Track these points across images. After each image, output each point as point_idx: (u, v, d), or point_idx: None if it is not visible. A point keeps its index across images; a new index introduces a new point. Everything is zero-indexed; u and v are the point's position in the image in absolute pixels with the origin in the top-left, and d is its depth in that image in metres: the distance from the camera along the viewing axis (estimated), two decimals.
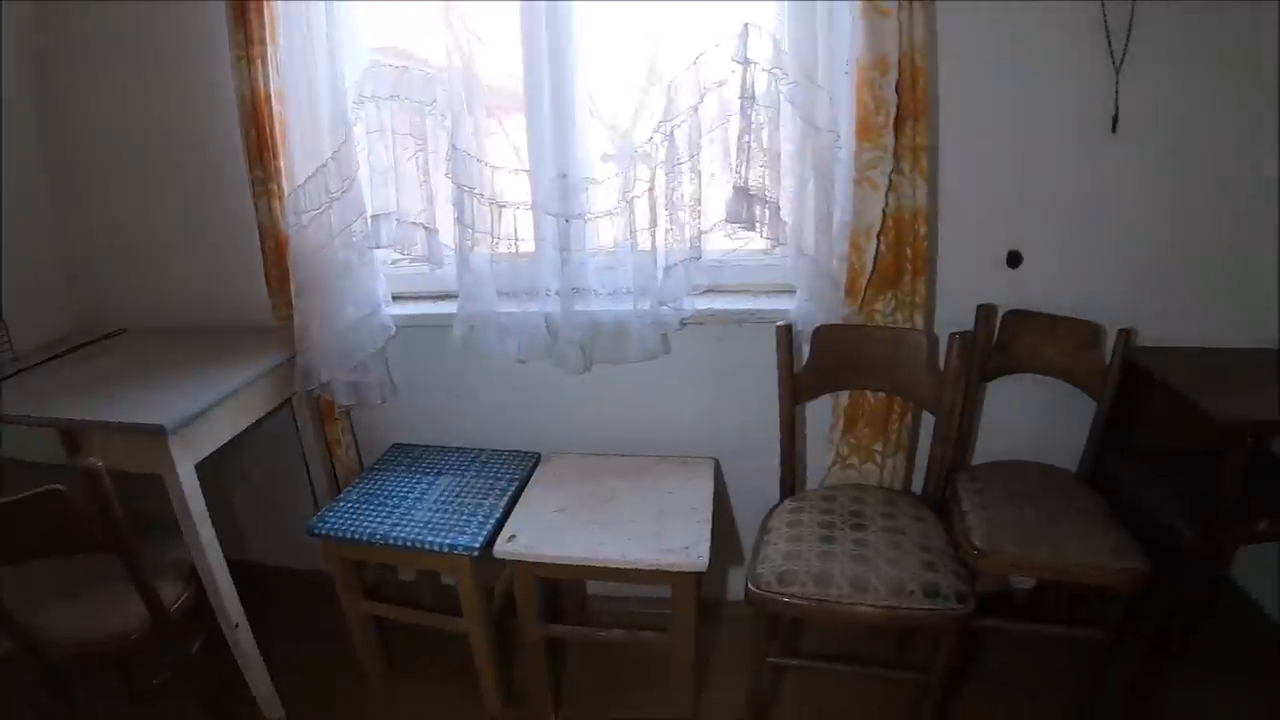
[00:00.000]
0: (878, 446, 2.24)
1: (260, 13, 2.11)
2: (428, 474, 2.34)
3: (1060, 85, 2.21)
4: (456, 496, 2.22)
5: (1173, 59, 2.19)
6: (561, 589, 2.54)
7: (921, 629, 2.03)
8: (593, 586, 2.58)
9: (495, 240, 2.22)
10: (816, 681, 2.31)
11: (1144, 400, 2.28)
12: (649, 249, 2.15)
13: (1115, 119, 2.22)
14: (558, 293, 2.19)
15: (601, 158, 2.18)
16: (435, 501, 2.20)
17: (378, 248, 2.28)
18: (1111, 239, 2.33)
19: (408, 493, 2.25)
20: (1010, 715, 2.26)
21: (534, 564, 2.01)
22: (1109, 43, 2.17)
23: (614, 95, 2.30)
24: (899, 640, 2.42)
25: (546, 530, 2.06)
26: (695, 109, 2.06)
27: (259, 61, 2.14)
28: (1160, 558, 2.00)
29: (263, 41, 2.13)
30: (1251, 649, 2.55)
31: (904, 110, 2.01)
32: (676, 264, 2.12)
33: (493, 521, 2.10)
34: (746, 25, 2.00)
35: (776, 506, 2.13)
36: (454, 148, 2.12)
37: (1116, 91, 2.21)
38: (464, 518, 2.11)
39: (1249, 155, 2.30)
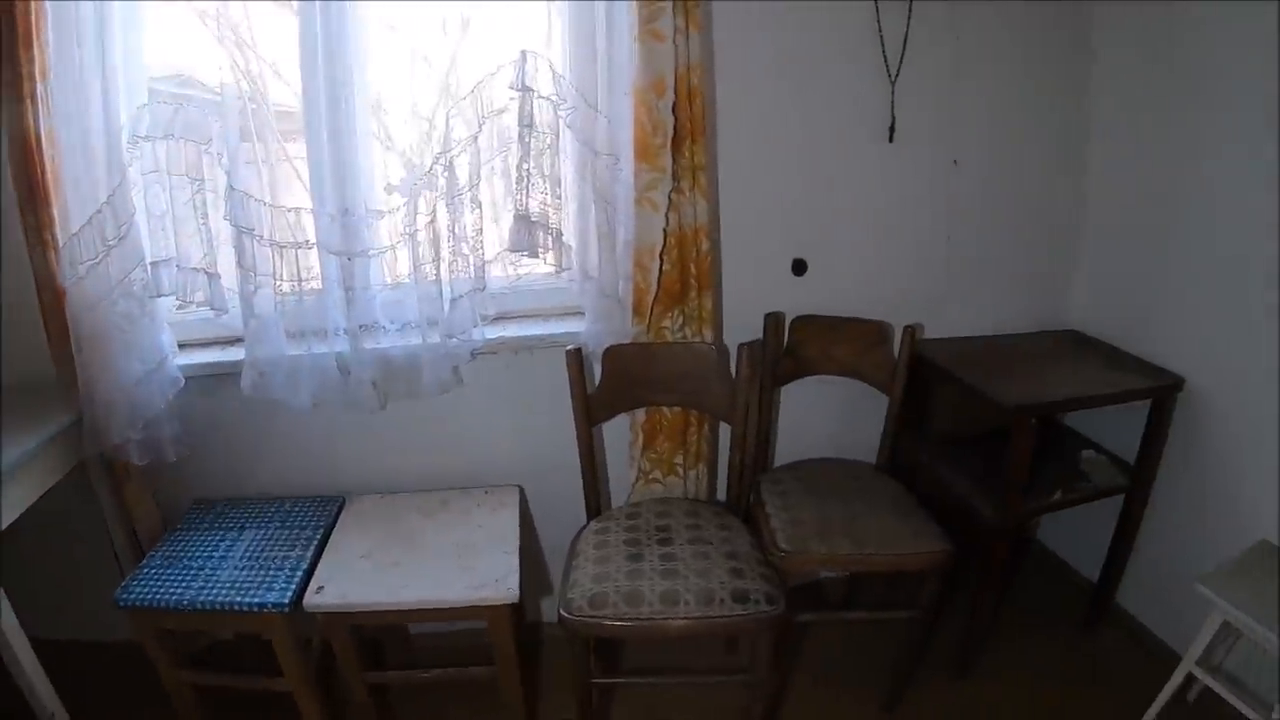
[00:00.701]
0: (678, 459, 2.28)
1: (30, 46, 1.95)
2: (231, 530, 2.25)
3: (838, 99, 2.32)
4: (262, 551, 2.14)
5: (943, 72, 2.36)
6: (382, 632, 2.48)
7: (737, 633, 2.07)
8: (415, 625, 2.53)
9: (279, 281, 2.14)
10: (648, 695, 2.34)
11: (935, 390, 2.41)
12: (435, 281, 2.12)
13: (892, 129, 2.36)
14: (346, 331, 2.14)
15: (385, 189, 2.13)
16: (241, 559, 2.11)
17: (159, 296, 2.17)
18: (892, 241, 2.47)
19: (212, 552, 2.15)
20: (840, 702, 2.34)
21: (345, 615, 1.95)
22: (885, 58, 2.31)
23: (403, 123, 2.27)
24: (725, 644, 2.47)
25: (354, 578, 2.00)
26: (475, 138, 2.05)
27: (29, 100, 1.98)
28: (964, 535, 2.12)
29: (33, 78, 1.96)
30: (1066, 605, 2.76)
31: (681, 131, 2.06)
32: (462, 295, 2.10)
33: (300, 574, 2.02)
34: (524, 53, 2.01)
35: (583, 529, 2.15)
36: (231, 188, 2.04)
37: (893, 103, 2.34)
38: (271, 573, 2.03)
39: (1016, 157, 2.49)
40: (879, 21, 2.28)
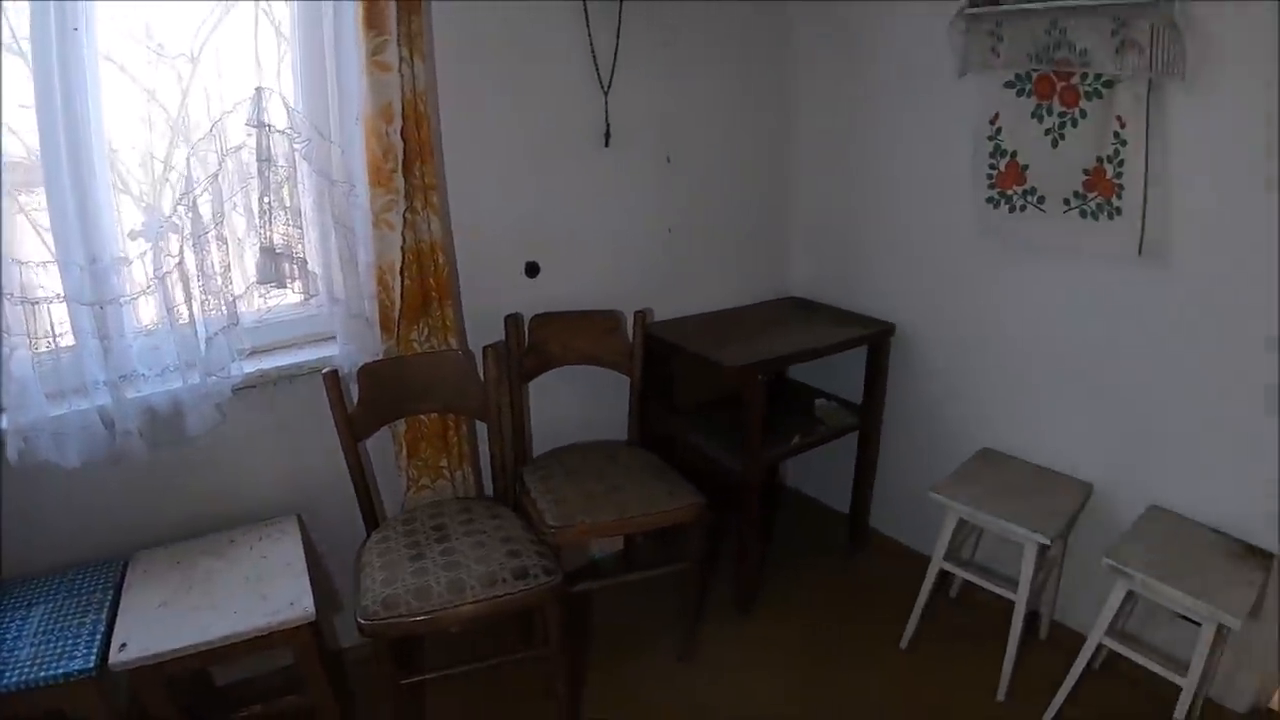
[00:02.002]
0: (443, 463, 2.42)
1: None
2: (19, 609, 2.15)
3: (558, 112, 2.53)
4: (56, 624, 2.06)
5: (654, 79, 2.66)
6: (193, 684, 2.46)
7: (526, 608, 2.22)
8: (224, 675, 2.50)
9: (34, 340, 2.11)
10: (457, 687, 2.42)
11: (673, 365, 2.67)
12: (189, 322, 2.14)
13: (607, 134, 2.59)
14: (106, 383, 2.10)
15: (129, 234, 2.12)
16: (35, 635, 2.02)
17: None
18: (618, 237, 2.72)
19: (4, 635, 2.09)
20: (640, 660, 2.55)
21: (154, 666, 1.92)
22: (597, 71, 2.54)
23: (136, 165, 2.26)
24: (521, 630, 2.58)
25: (155, 628, 1.97)
26: (216, 176, 2.10)
27: None
28: (722, 491, 2.37)
29: None
30: (829, 538, 3.12)
31: (411, 154, 2.19)
32: (217, 333, 2.14)
33: (99, 636, 1.97)
34: (259, 89, 2.08)
35: (365, 541, 2.24)
36: None
37: (606, 111, 2.57)
38: (69, 643, 1.94)
39: (727, 149, 2.84)
40: (590, 39, 2.51)
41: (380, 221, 2.17)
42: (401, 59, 2.13)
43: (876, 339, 2.73)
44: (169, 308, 2.13)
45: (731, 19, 2.85)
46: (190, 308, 2.14)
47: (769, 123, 3.03)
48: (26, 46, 1.94)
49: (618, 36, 2.55)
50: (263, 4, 2.23)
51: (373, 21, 2.07)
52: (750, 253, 3.06)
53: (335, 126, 2.19)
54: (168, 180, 2.23)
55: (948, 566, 2.47)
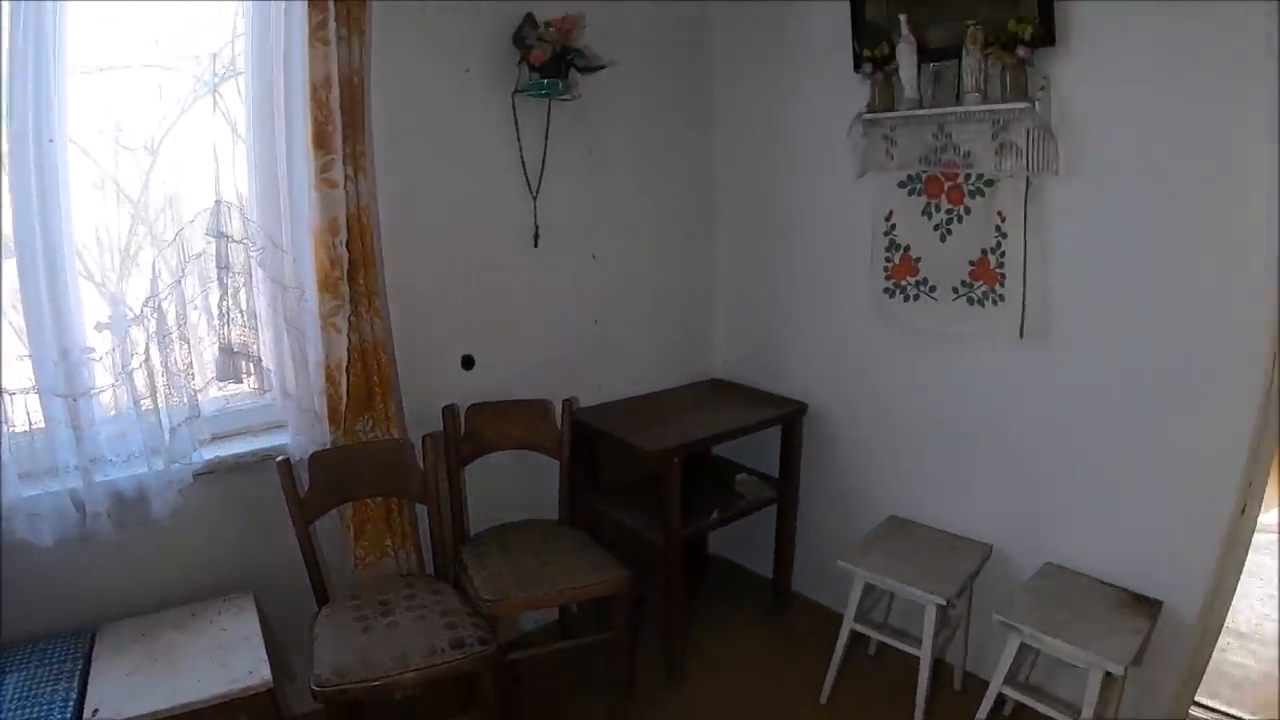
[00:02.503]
0: (388, 542, 2.59)
1: None
2: None
3: (491, 217, 2.80)
4: (30, 691, 2.13)
5: (578, 183, 2.95)
6: None
7: (463, 675, 2.39)
8: None
9: (10, 426, 2.22)
10: None
11: (600, 448, 2.89)
12: (154, 411, 2.31)
13: (536, 236, 2.86)
14: (77, 468, 2.25)
15: (96, 326, 2.26)
16: (12, 701, 2.07)
17: None
18: (548, 329, 2.98)
19: None
20: None
21: None
22: (527, 179, 2.81)
23: (99, 251, 2.41)
24: (461, 693, 2.69)
25: (125, 695, 2.08)
26: (179, 282, 2.30)
27: None
28: (648, 563, 2.56)
29: None
30: (753, 601, 3.33)
31: (356, 262, 2.41)
32: (180, 424, 2.32)
33: (73, 703, 2.06)
34: (218, 202, 2.31)
35: (316, 615, 2.39)
36: None
37: (535, 214, 2.85)
38: (44, 708, 2.05)
39: (651, 245, 3.15)
40: (520, 148, 2.80)
41: (328, 325, 2.38)
42: (346, 176, 2.36)
43: (789, 419, 2.98)
44: (135, 400, 2.29)
45: (653, 123, 3.17)
46: (155, 399, 2.30)
47: (690, 219, 3.36)
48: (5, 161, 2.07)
49: (545, 140, 2.84)
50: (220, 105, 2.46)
51: (321, 142, 2.31)
52: (673, 338, 3.34)
53: (287, 236, 2.41)
54: (130, 267, 2.41)
55: (858, 628, 2.67)
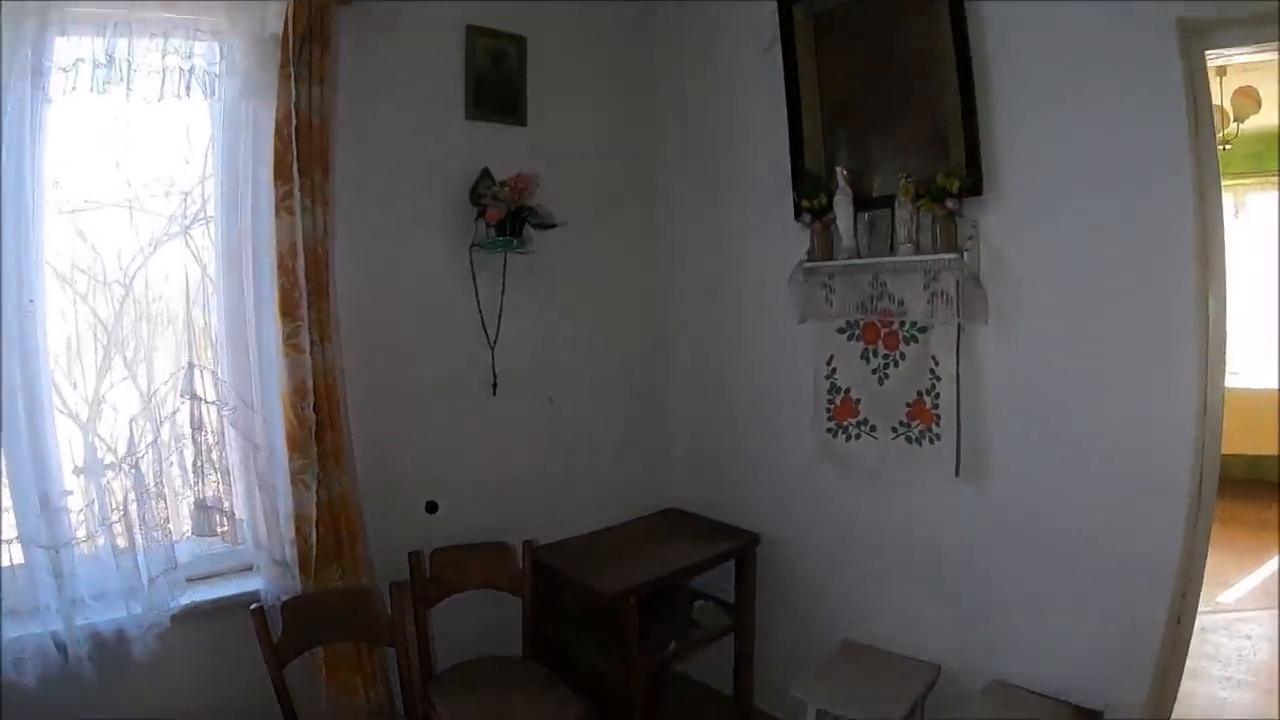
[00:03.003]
0: (358, 682, 2.67)
1: None
2: None
3: (451, 369, 2.99)
4: None
5: (533, 331, 3.16)
6: None
7: None
8: None
9: None
10: None
11: (561, 584, 3.00)
12: (131, 556, 2.39)
13: (495, 384, 3.04)
14: (58, 611, 2.30)
15: (74, 470, 2.36)
16: None
17: None
18: (507, 470, 3.14)
19: None
20: None
21: None
22: (485, 330, 3.00)
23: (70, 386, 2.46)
24: None
25: None
26: (155, 442, 2.44)
27: None
28: (608, 692, 2.67)
29: None
30: (710, 716, 3.44)
31: (323, 422, 2.55)
32: (158, 575, 2.41)
33: None
34: (190, 365, 2.47)
35: None
36: None
37: (494, 363, 3.03)
38: None
39: (606, 386, 3.40)
40: (479, 302, 3.00)
41: (298, 481, 2.51)
42: (311, 342, 2.51)
43: (743, 550, 3.11)
44: (115, 552, 2.38)
45: (606, 271, 3.46)
46: (134, 553, 2.40)
47: (644, 359, 3.60)
48: None
49: (502, 292, 3.03)
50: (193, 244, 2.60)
51: (287, 309, 2.48)
52: (630, 473, 3.52)
53: (257, 395, 2.57)
54: (101, 406, 2.47)
55: None
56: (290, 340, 2.48)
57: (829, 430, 2.93)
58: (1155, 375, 2.30)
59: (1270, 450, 5.29)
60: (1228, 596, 4.24)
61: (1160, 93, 2.22)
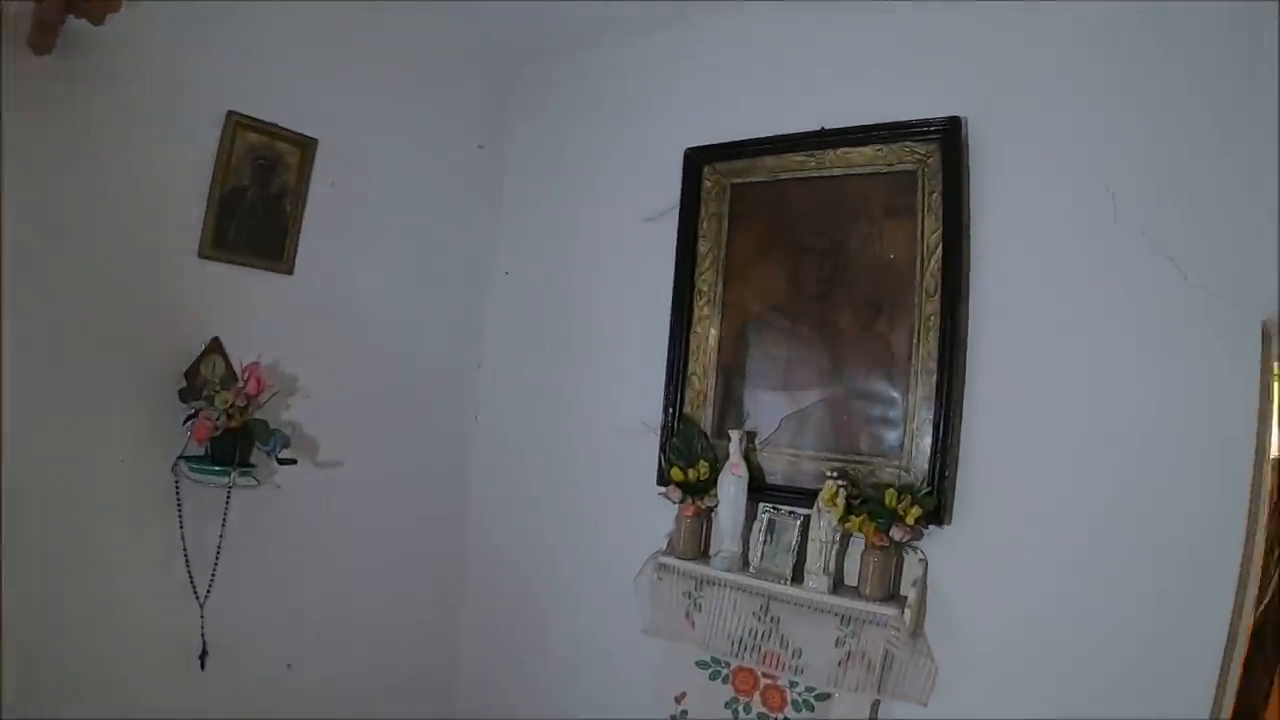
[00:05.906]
0: None
1: None
2: None
3: (134, 632, 1.89)
4: None
5: (264, 588, 2.10)
6: None
7: None
8: None
9: None
10: None
11: None
12: None
13: (204, 654, 1.94)
14: None
15: None
16: None
17: None
18: None
19: None
20: None
21: None
22: (192, 580, 1.91)
23: None
24: None
25: None
26: None
27: None
28: None
29: None
30: None
31: None
32: None
33: None
34: None
35: None
36: None
37: (203, 626, 1.94)
38: None
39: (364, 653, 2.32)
40: (184, 546, 1.88)
41: None
42: None
43: None
44: None
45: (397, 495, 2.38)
46: None
47: (434, 588, 2.53)
48: None
49: (223, 529, 1.92)
50: None
51: None
52: None
53: None
54: None
55: None
56: None
57: None
58: None
59: None
60: None
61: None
